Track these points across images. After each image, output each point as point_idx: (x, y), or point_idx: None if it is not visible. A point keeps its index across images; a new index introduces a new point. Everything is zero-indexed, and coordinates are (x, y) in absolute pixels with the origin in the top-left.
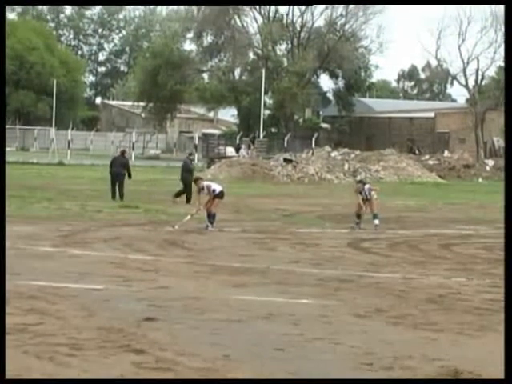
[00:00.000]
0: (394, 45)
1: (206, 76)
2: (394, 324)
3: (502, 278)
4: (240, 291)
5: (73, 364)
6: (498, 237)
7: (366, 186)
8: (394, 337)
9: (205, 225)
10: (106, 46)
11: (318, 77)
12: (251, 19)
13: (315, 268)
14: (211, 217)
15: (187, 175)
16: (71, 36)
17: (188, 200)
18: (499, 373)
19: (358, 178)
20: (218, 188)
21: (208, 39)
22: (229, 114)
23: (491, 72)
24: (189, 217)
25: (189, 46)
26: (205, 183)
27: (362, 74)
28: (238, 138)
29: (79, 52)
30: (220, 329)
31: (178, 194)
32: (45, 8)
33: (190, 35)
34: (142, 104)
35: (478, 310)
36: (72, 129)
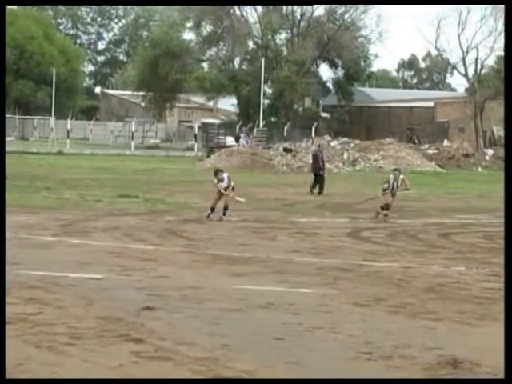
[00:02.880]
0: (394, 34)
1: (205, 65)
2: (394, 313)
3: (502, 267)
4: (239, 280)
5: (72, 353)
6: (498, 226)
7: (401, 177)
8: (394, 326)
9: (217, 216)
10: (105, 35)
11: (317, 66)
12: (251, 8)
13: (315, 257)
14: (227, 208)
15: (319, 166)
16: (69, 25)
17: (321, 191)
18: (499, 362)
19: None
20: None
21: (207, 28)
22: (228, 104)
23: (490, 61)
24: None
25: (188, 35)
26: (225, 174)
27: (362, 63)
28: (237, 127)
29: (78, 41)
30: (219, 318)
31: (313, 186)
32: None
33: (190, 24)
34: (141, 93)
35: (477, 299)
36: (71, 118)
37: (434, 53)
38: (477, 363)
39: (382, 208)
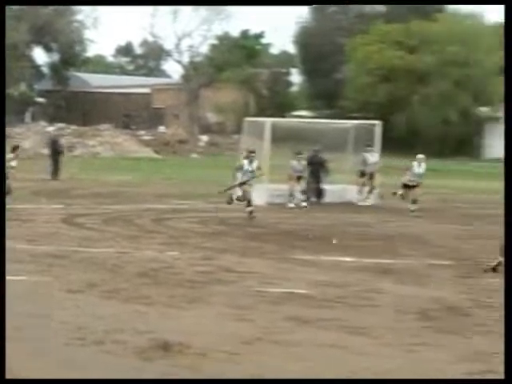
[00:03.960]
0: (111, 20)
1: None
2: (107, 298)
3: (215, 252)
4: None
5: None
6: (212, 211)
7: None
8: (106, 311)
9: None
10: None
11: (32, 50)
12: None
13: (29, 244)
14: None
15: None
16: None
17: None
18: (207, 343)
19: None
20: None
21: None
22: None
23: (205, 49)
24: None
25: None
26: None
27: (77, 48)
28: None
29: None
30: None
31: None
32: None
33: None
34: None
35: (189, 283)
36: None
37: (150, 39)
38: (187, 345)
39: (239, 199)
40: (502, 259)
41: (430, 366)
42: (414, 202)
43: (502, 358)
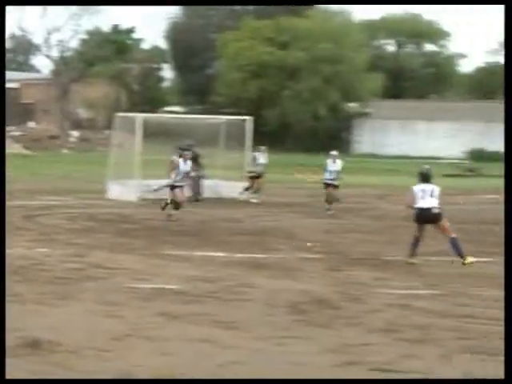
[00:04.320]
0: None
1: None
2: None
3: (85, 248)
4: None
5: None
6: (81, 207)
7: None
8: None
9: None
10: None
11: None
12: None
13: None
14: None
15: None
16: None
17: None
18: (78, 340)
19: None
20: None
21: None
22: None
23: (75, 44)
24: None
25: None
26: None
27: None
28: None
29: None
30: None
31: None
32: None
33: None
34: None
35: (60, 280)
36: None
37: (19, 33)
38: (57, 343)
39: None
40: None
41: (299, 358)
42: (328, 201)
43: (367, 348)
